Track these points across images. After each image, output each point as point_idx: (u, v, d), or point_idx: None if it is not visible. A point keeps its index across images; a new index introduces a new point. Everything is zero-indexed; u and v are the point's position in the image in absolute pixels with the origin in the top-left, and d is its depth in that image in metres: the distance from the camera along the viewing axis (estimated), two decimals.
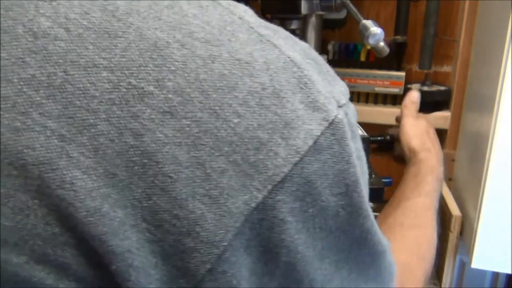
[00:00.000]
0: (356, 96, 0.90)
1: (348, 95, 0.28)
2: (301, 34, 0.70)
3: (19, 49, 0.21)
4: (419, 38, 0.86)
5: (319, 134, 0.24)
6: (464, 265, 0.77)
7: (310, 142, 0.24)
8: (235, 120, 0.23)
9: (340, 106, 0.26)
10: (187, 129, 0.22)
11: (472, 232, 0.64)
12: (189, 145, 0.22)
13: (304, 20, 0.70)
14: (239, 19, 0.25)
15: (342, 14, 0.78)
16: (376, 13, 0.90)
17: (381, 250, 0.30)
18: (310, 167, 0.24)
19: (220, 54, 0.23)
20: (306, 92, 0.25)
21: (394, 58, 0.87)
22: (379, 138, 0.78)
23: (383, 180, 0.68)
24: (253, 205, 0.23)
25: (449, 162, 0.85)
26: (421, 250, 0.49)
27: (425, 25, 0.82)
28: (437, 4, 0.80)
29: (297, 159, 0.24)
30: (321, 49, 0.75)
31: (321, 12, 0.67)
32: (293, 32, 0.66)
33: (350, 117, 0.27)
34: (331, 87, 0.26)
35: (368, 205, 0.28)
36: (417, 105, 0.70)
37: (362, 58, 0.90)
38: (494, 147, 0.59)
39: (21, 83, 0.21)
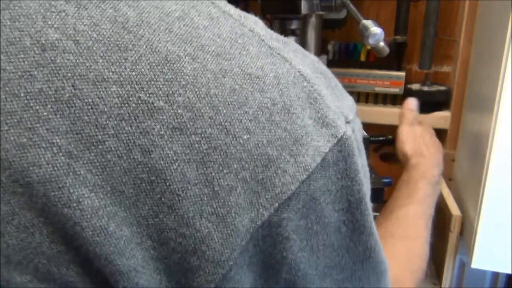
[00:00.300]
0: (356, 96, 0.90)
1: (355, 110, 0.28)
2: (301, 34, 0.70)
3: (26, 62, 0.21)
4: (419, 38, 0.86)
5: (327, 151, 0.24)
6: (464, 265, 0.77)
7: (318, 160, 0.24)
8: (245, 137, 0.22)
9: (348, 122, 0.26)
10: (197, 145, 0.21)
11: (472, 232, 0.64)
12: (198, 162, 0.22)
13: (304, 20, 0.70)
14: (249, 31, 0.24)
15: (342, 14, 0.78)
16: (376, 13, 0.90)
17: (384, 269, 0.30)
18: (316, 184, 0.24)
19: (231, 68, 0.23)
20: (316, 107, 0.24)
21: (394, 58, 0.87)
22: (379, 138, 0.78)
23: (383, 180, 0.68)
24: (259, 223, 0.23)
25: (449, 162, 0.85)
26: (412, 264, 0.48)
27: (425, 25, 0.82)
28: (437, 4, 0.80)
29: (304, 176, 0.23)
30: (321, 49, 0.75)
31: (321, 12, 0.67)
32: (293, 32, 0.66)
33: (357, 133, 0.27)
34: (339, 102, 0.26)
35: (373, 224, 0.28)
36: (414, 113, 0.70)
37: (362, 58, 0.90)
38: (494, 147, 0.59)
39: (28, 97, 0.20)
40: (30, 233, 0.21)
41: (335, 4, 0.63)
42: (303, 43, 0.71)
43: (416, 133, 0.67)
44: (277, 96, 0.23)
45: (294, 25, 0.67)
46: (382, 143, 0.77)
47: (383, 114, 0.87)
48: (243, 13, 0.25)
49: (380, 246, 0.29)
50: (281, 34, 0.27)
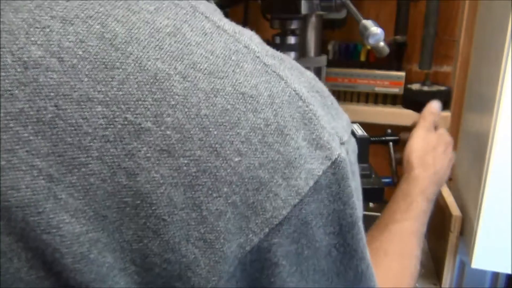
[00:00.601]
0: (356, 96, 0.90)
1: (350, 129, 0.27)
2: (301, 34, 0.70)
3: (6, 81, 0.20)
4: (419, 38, 0.86)
5: (320, 173, 0.23)
6: (464, 265, 0.77)
7: (311, 183, 0.23)
8: (236, 159, 0.21)
9: (342, 143, 0.25)
10: (185, 168, 0.21)
11: (472, 232, 0.64)
12: (185, 186, 0.21)
13: (304, 20, 0.70)
14: (244, 47, 0.24)
15: (342, 14, 0.78)
16: (376, 13, 0.90)
17: None
18: (308, 208, 0.23)
19: (223, 87, 0.22)
20: (310, 128, 0.23)
21: (394, 58, 0.87)
22: (379, 138, 0.78)
23: (383, 180, 0.68)
24: (248, 248, 0.22)
25: None
26: (402, 283, 0.48)
27: (425, 25, 0.82)
28: (437, 4, 0.80)
29: (297, 200, 0.23)
30: (321, 49, 0.75)
31: (321, 12, 0.67)
32: (293, 32, 0.66)
33: (351, 154, 0.26)
34: (334, 122, 0.25)
35: (365, 248, 0.27)
36: (436, 117, 0.64)
37: (362, 58, 0.90)
38: (494, 147, 0.59)
39: (8, 117, 0.19)
40: (8, 258, 0.20)
41: (335, 4, 0.63)
42: (303, 43, 0.71)
43: (429, 142, 0.61)
44: (271, 117, 0.22)
45: (294, 25, 0.67)
46: (382, 143, 0.77)
47: (383, 114, 0.87)
48: (238, 28, 0.24)
49: (372, 270, 0.28)
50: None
